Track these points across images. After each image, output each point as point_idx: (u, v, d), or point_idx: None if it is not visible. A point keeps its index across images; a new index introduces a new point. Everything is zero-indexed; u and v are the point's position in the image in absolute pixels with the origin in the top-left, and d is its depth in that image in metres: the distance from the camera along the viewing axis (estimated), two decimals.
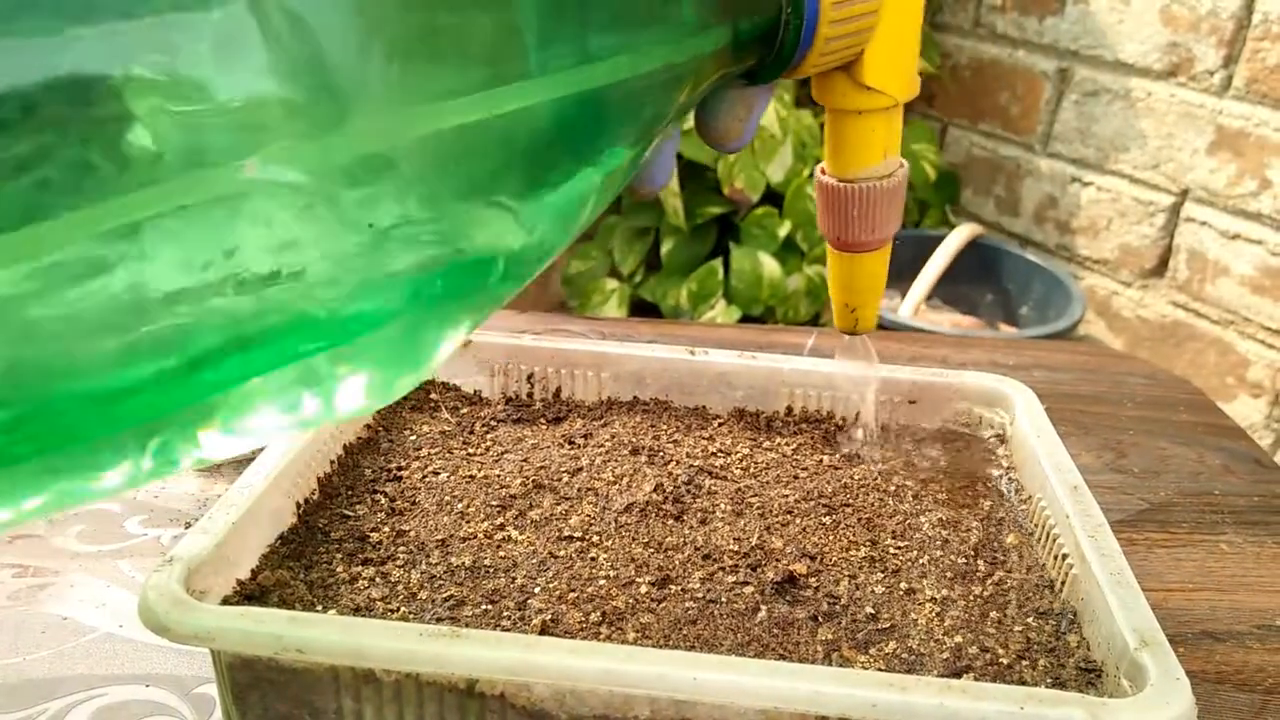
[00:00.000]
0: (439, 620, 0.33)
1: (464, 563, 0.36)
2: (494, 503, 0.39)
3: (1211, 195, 1.25)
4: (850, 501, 0.40)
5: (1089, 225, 1.42)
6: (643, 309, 1.66)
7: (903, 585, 0.36)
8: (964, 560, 0.37)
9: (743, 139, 0.34)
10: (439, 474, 0.41)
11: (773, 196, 1.54)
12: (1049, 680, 0.32)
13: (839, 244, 0.38)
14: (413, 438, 0.43)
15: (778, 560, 0.36)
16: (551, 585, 0.35)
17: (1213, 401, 0.62)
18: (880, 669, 0.32)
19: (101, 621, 0.39)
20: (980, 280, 1.47)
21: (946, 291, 1.46)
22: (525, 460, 0.42)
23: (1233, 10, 1.19)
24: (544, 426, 0.45)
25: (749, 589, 0.35)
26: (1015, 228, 1.53)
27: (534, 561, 0.36)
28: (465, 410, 0.46)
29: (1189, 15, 1.24)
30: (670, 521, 0.38)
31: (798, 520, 0.39)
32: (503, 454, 0.42)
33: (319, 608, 0.33)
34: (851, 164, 0.36)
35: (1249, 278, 1.23)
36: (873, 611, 0.34)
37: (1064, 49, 1.40)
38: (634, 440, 0.43)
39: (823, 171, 0.37)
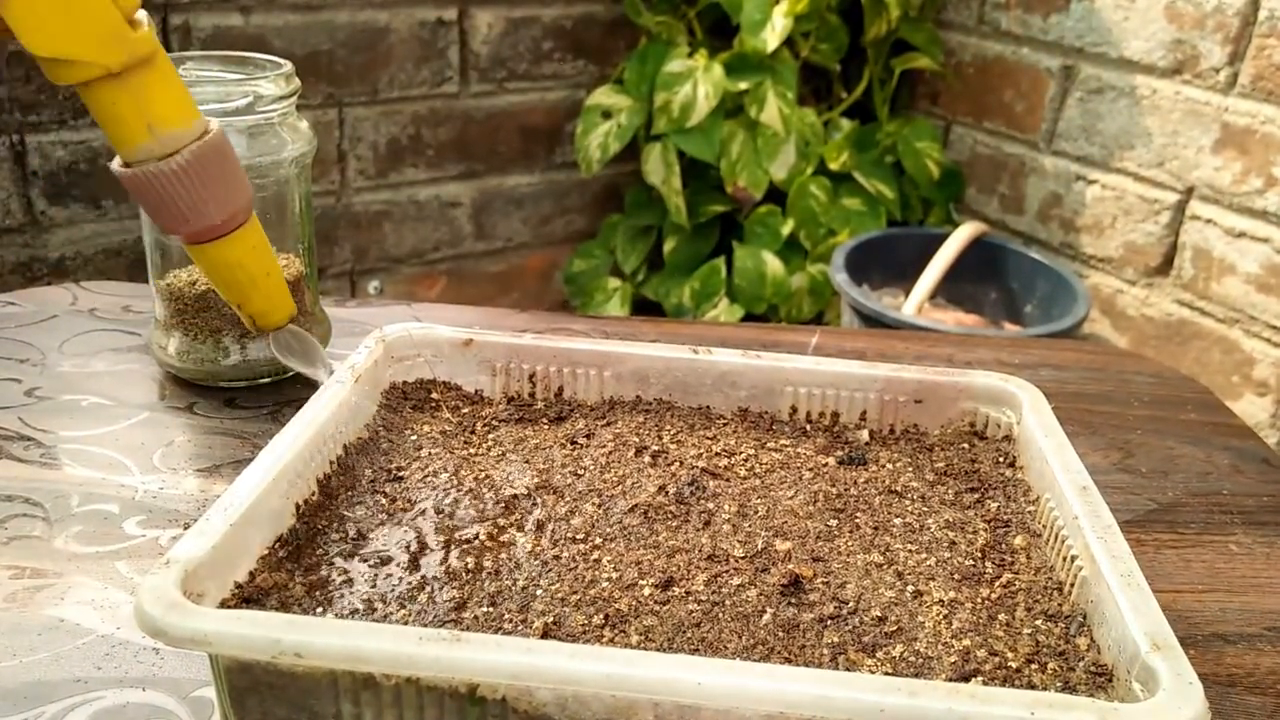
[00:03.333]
0: (440, 623, 0.32)
1: (465, 565, 0.35)
2: (495, 504, 0.39)
3: (1217, 193, 1.25)
4: (856, 503, 0.40)
5: (1093, 223, 1.41)
6: (645, 308, 1.66)
7: (910, 588, 0.35)
8: (972, 562, 0.37)
9: None
10: (440, 474, 0.40)
11: (776, 195, 1.54)
12: (1059, 684, 0.31)
13: (181, 237, 0.34)
14: (413, 438, 0.43)
15: (784, 562, 0.36)
16: (554, 587, 0.34)
17: (1221, 400, 0.61)
18: (888, 672, 0.31)
19: (99, 624, 0.38)
20: (984, 278, 1.47)
21: (950, 290, 1.46)
22: (527, 461, 0.41)
23: (1238, 7, 1.18)
24: (546, 426, 0.45)
25: (754, 591, 0.34)
26: (1019, 226, 1.52)
27: (536, 563, 0.35)
28: (466, 410, 0.46)
29: (1194, 12, 1.23)
30: (674, 523, 0.38)
31: (803, 522, 0.38)
32: (504, 454, 0.42)
33: (318, 610, 0.33)
34: (118, 144, 0.31)
35: (1254, 276, 1.22)
36: (880, 614, 0.34)
37: (1069, 46, 1.40)
38: (637, 441, 0.43)
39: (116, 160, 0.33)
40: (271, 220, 0.54)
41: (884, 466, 0.43)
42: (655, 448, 0.42)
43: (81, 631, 0.38)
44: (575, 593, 0.34)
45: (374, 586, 0.34)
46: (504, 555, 0.36)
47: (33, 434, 0.50)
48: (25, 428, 0.51)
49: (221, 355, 0.54)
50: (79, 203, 1.31)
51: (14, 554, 0.42)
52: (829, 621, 0.33)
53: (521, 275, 1.72)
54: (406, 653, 0.27)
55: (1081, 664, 0.32)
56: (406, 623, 0.32)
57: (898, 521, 0.39)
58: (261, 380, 0.55)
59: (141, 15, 0.30)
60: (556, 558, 0.36)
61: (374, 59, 1.43)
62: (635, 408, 0.46)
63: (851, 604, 0.34)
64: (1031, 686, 0.31)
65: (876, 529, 0.38)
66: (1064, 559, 0.36)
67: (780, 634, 0.33)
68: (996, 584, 0.36)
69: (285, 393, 0.55)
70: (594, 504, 0.39)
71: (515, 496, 0.39)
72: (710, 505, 0.39)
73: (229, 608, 0.31)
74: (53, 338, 0.60)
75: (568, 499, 0.39)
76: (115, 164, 0.32)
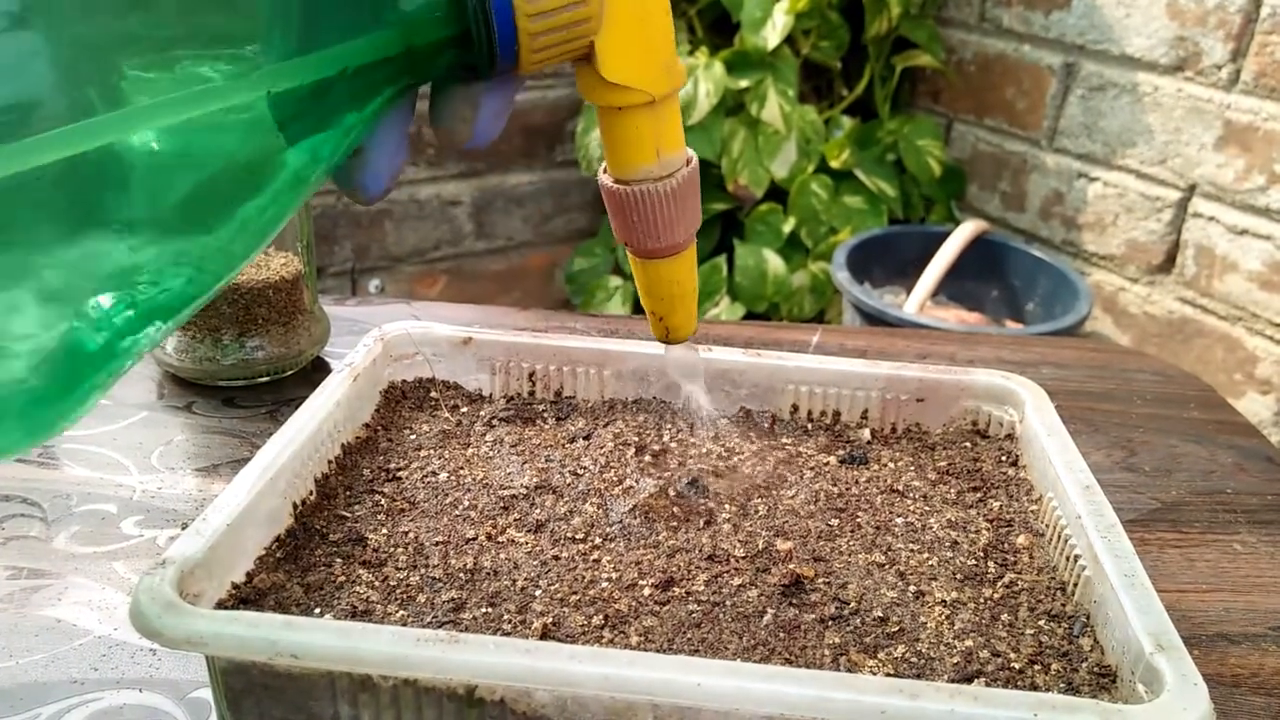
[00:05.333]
0: (439, 624, 0.32)
1: (464, 565, 0.35)
2: (495, 503, 0.38)
3: (1219, 190, 1.24)
4: (858, 502, 0.40)
5: (1095, 221, 1.41)
6: None
7: (912, 588, 0.35)
8: (974, 562, 0.37)
9: (474, 139, 0.30)
10: (438, 474, 0.40)
11: (777, 193, 1.53)
12: (1062, 685, 0.31)
13: (632, 250, 0.36)
14: (412, 437, 0.43)
15: (784, 562, 0.36)
16: (553, 588, 0.34)
17: (1224, 398, 0.61)
18: (889, 673, 0.31)
19: (96, 625, 0.38)
20: (986, 276, 1.46)
21: (952, 288, 1.46)
22: (527, 460, 0.41)
23: (1240, 4, 1.18)
24: (546, 426, 0.44)
25: (755, 592, 0.34)
26: (1021, 223, 1.52)
27: (535, 563, 0.35)
28: (465, 409, 0.45)
29: (1196, 9, 1.23)
30: (674, 523, 0.38)
31: (805, 521, 0.38)
32: (503, 454, 0.42)
33: (316, 611, 0.32)
34: (624, 164, 0.33)
35: (1257, 273, 1.22)
36: (881, 615, 0.34)
37: (1070, 43, 1.39)
38: (637, 440, 0.43)
39: (604, 171, 0.35)
40: None
41: (886, 465, 0.42)
42: (656, 447, 0.42)
43: (79, 632, 0.38)
44: (575, 593, 0.34)
45: (372, 587, 0.34)
46: (503, 555, 0.35)
47: None
48: None
49: (220, 354, 0.54)
50: None
51: (12, 554, 0.42)
52: (830, 622, 0.33)
53: (522, 274, 1.72)
54: (404, 654, 0.27)
55: (1085, 665, 0.32)
56: (405, 623, 0.32)
57: (899, 521, 0.39)
58: (260, 379, 0.55)
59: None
60: (556, 558, 0.35)
61: None
62: (635, 406, 0.46)
63: (853, 604, 0.34)
64: (1034, 687, 0.31)
65: (878, 529, 0.38)
66: (1067, 559, 0.36)
67: (781, 635, 0.33)
68: (999, 584, 0.36)
69: (284, 392, 0.55)
70: (594, 504, 0.38)
71: (514, 496, 0.39)
72: (711, 505, 0.39)
73: (226, 608, 0.31)
74: None
75: (567, 499, 0.39)
76: (606, 178, 0.34)
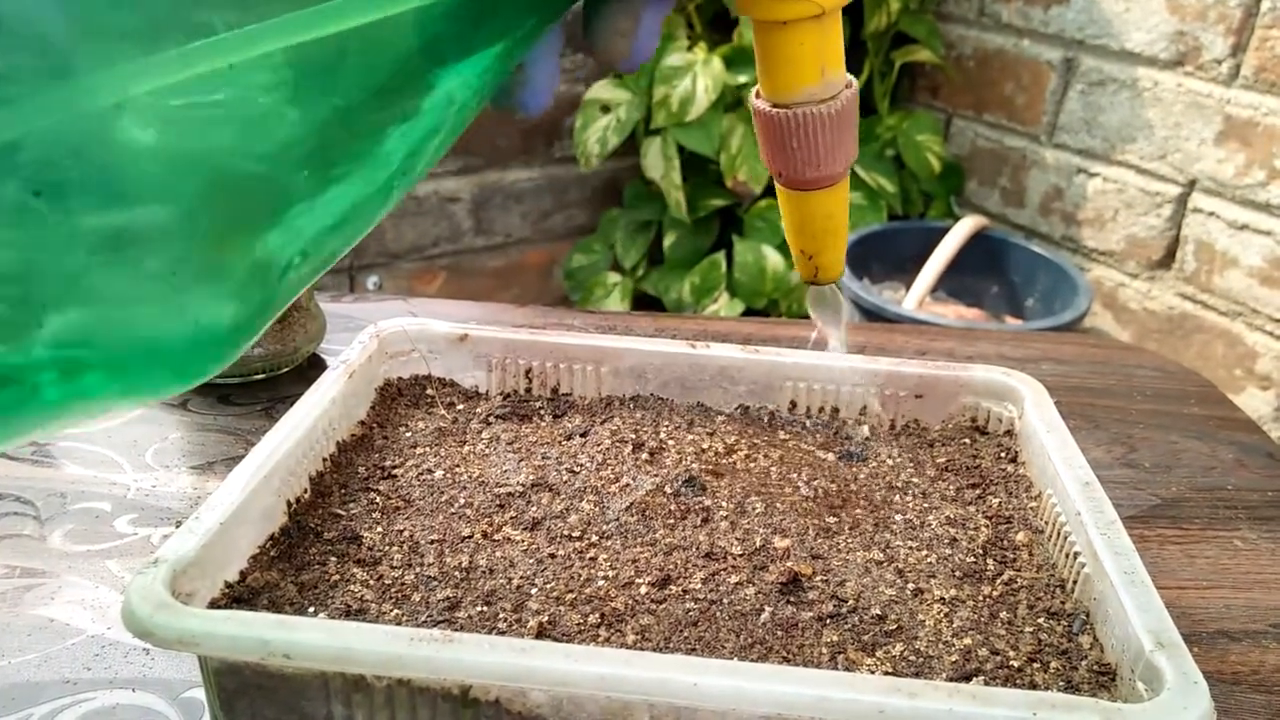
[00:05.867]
0: (434, 623, 0.32)
1: (459, 563, 0.35)
2: (491, 501, 0.38)
3: (1219, 186, 1.24)
4: (856, 499, 0.39)
5: (1095, 216, 1.40)
6: (645, 303, 1.65)
7: (910, 585, 0.35)
8: (973, 559, 0.36)
9: (632, 59, 0.28)
10: (434, 472, 0.40)
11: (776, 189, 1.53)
12: (1061, 683, 0.31)
13: (785, 181, 0.34)
14: (407, 434, 0.42)
15: (782, 560, 0.35)
16: (549, 586, 0.34)
17: (1224, 394, 0.61)
18: (888, 672, 0.31)
19: (89, 624, 0.38)
20: (985, 272, 1.46)
21: (951, 284, 1.45)
22: (523, 458, 0.41)
23: None
24: (543, 423, 0.44)
25: (752, 590, 0.34)
26: (1021, 219, 1.52)
27: (531, 562, 0.35)
28: (462, 406, 0.45)
29: (1196, 3, 1.22)
30: (671, 520, 0.37)
31: (802, 519, 0.38)
32: (500, 451, 0.41)
33: (310, 610, 0.32)
34: (785, 85, 0.31)
35: (1257, 269, 1.21)
36: (880, 613, 0.33)
37: (1069, 38, 1.39)
38: (634, 437, 0.42)
39: (757, 95, 0.32)
40: None
41: (884, 462, 0.42)
42: (653, 444, 0.42)
43: (71, 632, 0.38)
44: (571, 591, 0.34)
45: (367, 586, 0.34)
46: (499, 554, 0.35)
47: None
48: None
49: None
50: None
51: (5, 553, 0.41)
52: (828, 620, 0.33)
53: (521, 270, 1.71)
54: (397, 653, 0.27)
55: (1084, 663, 0.32)
56: (400, 622, 0.32)
57: (898, 518, 0.38)
58: (255, 377, 0.55)
59: None
60: (552, 556, 0.35)
61: None
62: (633, 404, 0.45)
63: (851, 602, 0.34)
64: (1034, 686, 0.31)
65: (876, 526, 0.38)
66: (1066, 555, 0.35)
67: (779, 633, 0.32)
68: (998, 581, 0.35)
69: (279, 389, 0.55)
70: (590, 501, 0.38)
71: (511, 494, 0.38)
72: (708, 502, 0.38)
73: (219, 608, 0.31)
74: None
75: (564, 496, 0.39)
76: (761, 103, 0.31)
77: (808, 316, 0.41)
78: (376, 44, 0.22)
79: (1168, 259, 1.32)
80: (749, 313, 1.51)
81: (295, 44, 0.21)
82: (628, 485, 0.39)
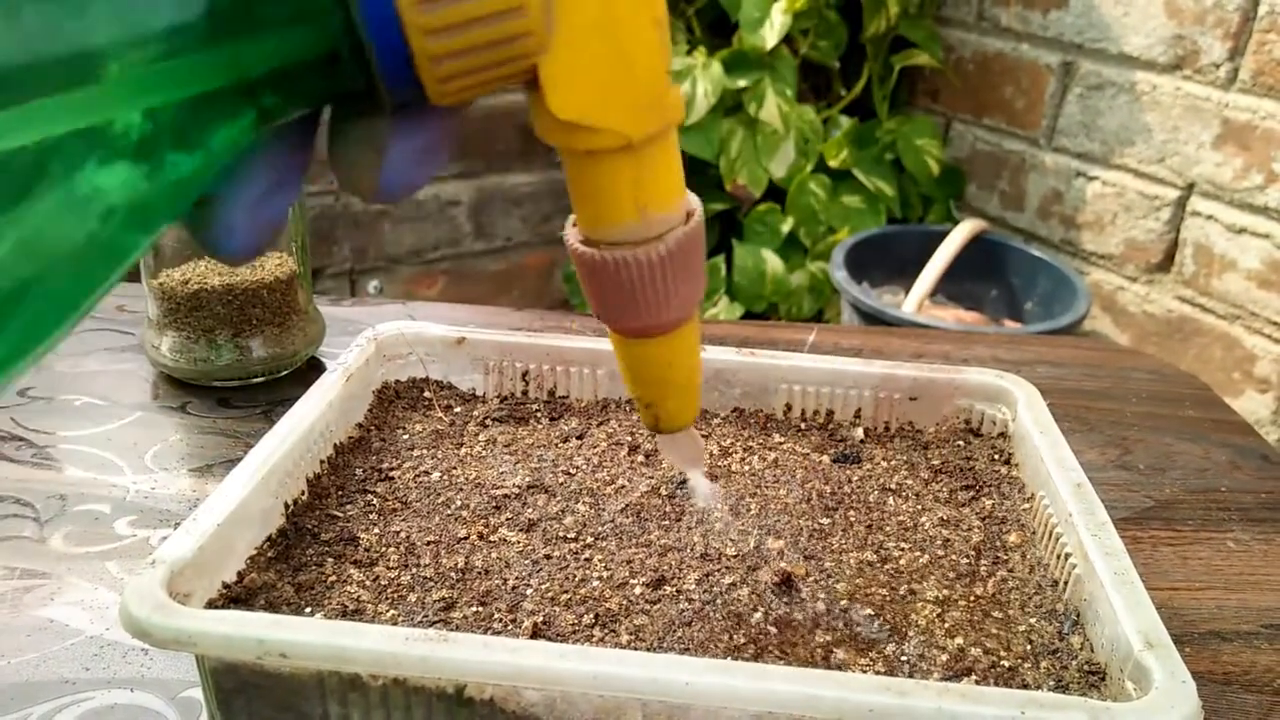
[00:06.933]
0: (430, 623, 0.32)
1: (455, 564, 0.35)
2: (487, 503, 0.38)
3: (1218, 189, 1.24)
4: (850, 501, 0.40)
5: (1094, 220, 1.41)
6: None
7: (903, 586, 0.35)
8: (966, 560, 0.37)
9: (383, 190, 0.22)
10: (431, 474, 0.40)
11: (775, 192, 1.53)
12: (1051, 683, 0.31)
13: (611, 326, 0.28)
14: (405, 437, 0.43)
15: (776, 561, 0.36)
16: (544, 587, 0.34)
17: (1219, 397, 0.61)
18: (880, 671, 0.31)
19: (88, 625, 0.38)
20: (984, 276, 1.46)
21: (951, 287, 1.46)
22: (520, 460, 0.41)
23: (1238, 2, 1.18)
24: (539, 425, 0.44)
25: (746, 590, 0.34)
26: (1020, 223, 1.52)
27: (527, 563, 0.35)
28: (459, 409, 0.45)
29: (1194, 7, 1.23)
30: (666, 522, 0.38)
31: (796, 520, 0.38)
32: (497, 453, 0.42)
33: (307, 611, 0.32)
34: (594, 220, 0.25)
35: (1255, 272, 1.21)
36: (872, 613, 0.34)
37: (1068, 42, 1.39)
38: (630, 439, 0.43)
39: (573, 225, 0.26)
40: None
41: (878, 464, 0.42)
42: (648, 446, 0.42)
43: (70, 632, 0.38)
44: (566, 592, 0.34)
45: (363, 587, 0.34)
46: (494, 555, 0.36)
47: (25, 434, 0.50)
48: (17, 428, 0.51)
49: (215, 354, 0.54)
50: None
51: (5, 554, 0.42)
52: (821, 620, 0.33)
53: (521, 274, 1.72)
54: (392, 653, 0.27)
55: (1075, 662, 0.32)
56: (396, 623, 0.32)
57: (891, 519, 0.39)
58: (255, 380, 0.55)
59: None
60: (548, 557, 0.35)
61: None
62: (629, 406, 0.46)
63: (844, 602, 0.34)
64: (1024, 685, 0.31)
65: (870, 527, 0.38)
66: (1058, 557, 0.36)
67: (772, 633, 0.33)
68: (990, 582, 0.36)
69: (278, 392, 0.55)
70: (586, 503, 0.38)
71: (507, 496, 0.39)
72: (703, 504, 0.39)
73: (216, 608, 0.31)
74: None
75: (560, 498, 0.39)
76: (575, 239, 0.26)
77: (808, 320, 0.41)
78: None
79: (1166, 262, 1.32)
80: (748, 316, 1.51)
81: None
82: (623, 487, 0.39)
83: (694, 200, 0.27)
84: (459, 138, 0.23)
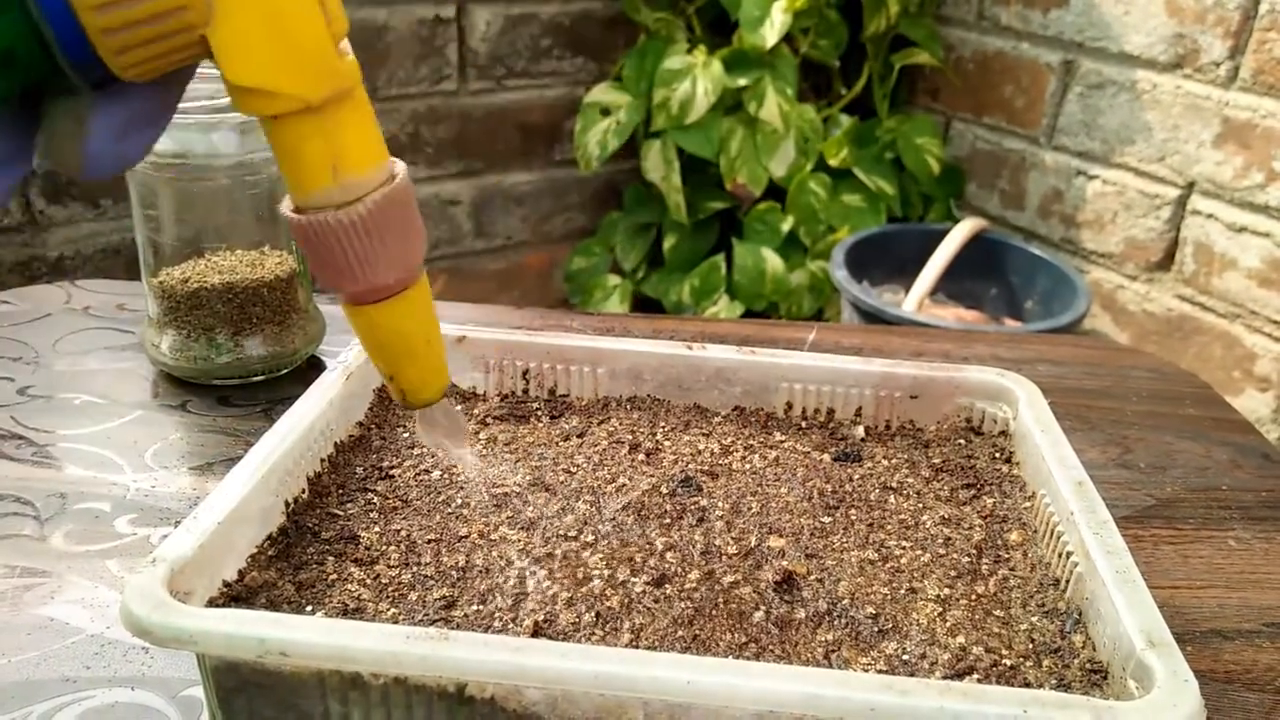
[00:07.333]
0: (430, 621, 0.32)
1: (456, 563, 0.35)
2: (488, 501, 0.38)
3: (1218, 188, 1.24)
4: (851, 499, 0.40)
5: (1094, 219, 1.41)
6: (645, 305, 1.65)
7: (904, 585, 0.35)
8: (967, 559, 0.37)
9: (88, 166, 0.24)
10: (431, 472, 0.40)
11: (775, 191, 1.53)
12: (1053, 681, 0.31)
13: (336, 293, 0.29)
14: (405, 435, 0.43)
15: (777, 559, 0.36)
16: (545, 585, 0.34)
17: (1220, 395, 0.61)
18: (881, 670, 0.31)
19: (88, 623, 0.38)
20: (985, 275, 1.46)
21: (951, 286, 1.45)
22: (520, 459, 0.41)
23: (1239, 1, 1.18)
24: (539, 424, 0.44)
25: (747, 589, 0.34)
26: (1020, 221, 1.52)
27: (528, 561, 0.35)
28: (460, 407, 0.45)
29: (1195, 6, 1.23)
30: (668, 520, 0.38)
31: (797, 519, 0.38)
32: (497, 452, 0.42)
33: (308, 609, 0.32)
34: (294, 187, 0.27)
35: (1256, 270, 1.21)
36: (874, 612, 0.34)
37: (1069, 41, 1.39)
38: (631, 438, 0.43)
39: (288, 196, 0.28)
40: (265, 217, 0.54)
41: (879, 463, 0.42)
42: (649, 445, 0.42)
43: (71, 631, 0.38)
44: (567, 590, 0.34)
45: (364, 585, 0.34)
46: (495, 553, 0.35)
47: (25, 433, 0.50)
48: (18, 426, 0.50)
49: (214, 353, 0.54)
50: (77, 202, 1.31)
51: (5, 553, 0.42)
52: (822, 619, 0.33)
53: (521, 273, 1.71)
54: (393, 651, 0.27)
55: (1077, 661, 0.32)
56: (397, 621, 0.32)
57: (893, 518, 0.39)
58: (255, 378, 0.55)
59: (345, 43, 0.27)
60: (549, 555, 0.35)
61: (372, 56, 1.43)
62: (630, 405, 0.46)
63: (845, 601, 0.34)
64: (1026, 684, 0.31)
65: (871, 526, 0.38)
66: (1059, 555, 0.36)
67: (773, 631, 0.33)
68: (992, 580, 0.35)
69: (279, 391, 0.55)
70: (587, 501, 0.38)
71: (507, 494, 0.39)
72: (704, 502, 0.39)
73: (217, 607, 0.31)
74: (46, 336, 0.60)
75: (560, 496, 0.39)
76: (285, 208, 0.28)
77: (808, 319, 0.41)
78: None
79: (1167, 261, 1.32)
80: (749, 315, 1.51)
81: None
82: (624, 485, 0.39)
83: (399, 165, 0.28)
84: (169, 113, 0.25)
